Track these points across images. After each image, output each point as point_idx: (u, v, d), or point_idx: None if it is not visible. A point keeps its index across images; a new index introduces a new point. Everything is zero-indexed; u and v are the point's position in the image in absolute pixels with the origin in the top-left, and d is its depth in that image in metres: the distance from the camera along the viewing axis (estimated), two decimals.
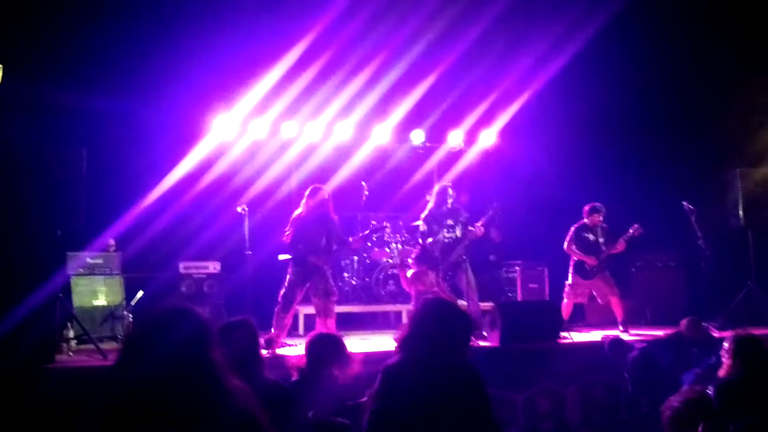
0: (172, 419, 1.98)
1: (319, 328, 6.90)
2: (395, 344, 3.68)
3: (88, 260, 7.89)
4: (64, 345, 6.65)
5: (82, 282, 7.77)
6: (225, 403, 2.06)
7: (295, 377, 4.42)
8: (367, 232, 7.95)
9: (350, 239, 7.37)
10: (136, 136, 8.80)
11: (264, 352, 5.61)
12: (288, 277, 7.07)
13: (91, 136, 8.60)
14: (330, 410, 4.12)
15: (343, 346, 4.49)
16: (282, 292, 7.06)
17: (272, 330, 6.92)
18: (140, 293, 7.94)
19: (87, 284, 7.80)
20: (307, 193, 7.29)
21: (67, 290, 7.39)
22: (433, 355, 3.47)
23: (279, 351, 6.77)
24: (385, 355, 6.63)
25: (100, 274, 7.93)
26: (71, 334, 6.79)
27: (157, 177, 8.82)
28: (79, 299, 7.64)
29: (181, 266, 8.36)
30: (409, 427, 3.42)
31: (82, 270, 7.79)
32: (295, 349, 6.98)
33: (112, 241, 8.36)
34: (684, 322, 6.35)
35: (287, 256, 7.27)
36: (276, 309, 7.03)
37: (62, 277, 7.07)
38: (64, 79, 8.03)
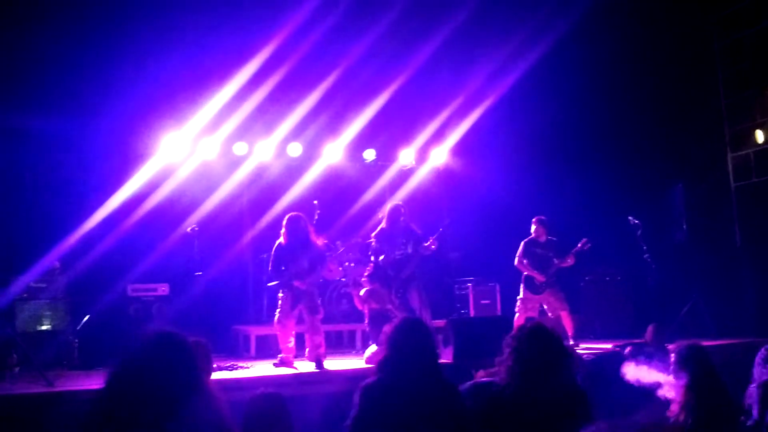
0: None
1: (308, 344, 7.29)
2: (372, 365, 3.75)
3: (32, 284, 7.67)
4: (7, 371, 6.43)
5: (25, 306, 7.55)
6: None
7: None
8: (342, 250, 8.04)
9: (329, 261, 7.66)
10: (82, 156, 8.65)
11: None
12: (279, 302, 7.34)
13: (35, 157, 8.46)
14: None
15: None
16: (276, 317, 7.29)
17: (281, 354, 7.26)
18: (86, 317, 7.74)
19: (31, 308, 7.58)
20: (284, 222, 7.47)
21: (10, 315, 7.18)
22: (412, 373, 3.54)
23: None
24: (338, 374, 6.70)
25: (44, 298, 7.71)
26: (14, 359, 6.56)
27: (104, 198, 8.61)
28: (22, 324, 7.41)
29: (129, 288, 8.19)
30: None
31: (25, 294, 7.56)
32: (247, 371, 6.92)
33: (57, 264, 8.14)
34: (650, 329, 6.48)
35: (275, 283, 7.53)
36: (277, 333, 7.36)
37: (4, 301, 6.86)
38: (7, 102, 7.82)
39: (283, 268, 7.32)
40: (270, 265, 7.50)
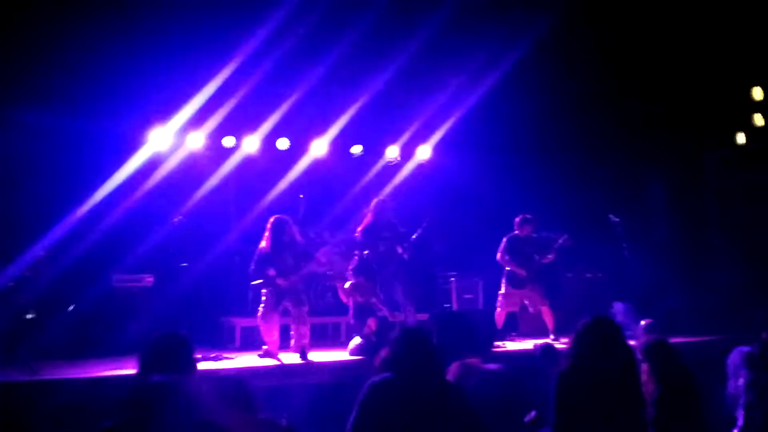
0: None
1: (293, 334, 7.23)
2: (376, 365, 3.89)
3: (18, 274, 7.68)
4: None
5: (11, 296, 7.55)
6: None
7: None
8: (328, 247, 8.07)
9: (317, 254, 7.60)
10: (69, 148, 8.65)
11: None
12: (263, 298, 7.30)
13: (23, 147, 8.45)
14: None
15: None
16: (259, 312, 7.26)
17: (264, 347, 7.25)
18: (71, 307, 7.77)
19: (16, 298, 7.59)
20: (268, 225, 7.48)
21: None
22: (419, 373, 3.65)
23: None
24: (323, 365, 6.80)
25: (30, 288, 7.73)
26: None
27: (91, 189, 8.63)
28: (8, 313, 7.42)
29: (114, 279, 8.23)
30: None
31: (11, 284, 7.58)
32: (232, 361, 7.00)
33: (43, 254, 8.15)
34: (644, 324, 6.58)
35: (258, 282, 7.46)
36: (261, 329, 7.29)
37: None
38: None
39: (266, 268, 7.30)
40: (253, 264, 7.47)
